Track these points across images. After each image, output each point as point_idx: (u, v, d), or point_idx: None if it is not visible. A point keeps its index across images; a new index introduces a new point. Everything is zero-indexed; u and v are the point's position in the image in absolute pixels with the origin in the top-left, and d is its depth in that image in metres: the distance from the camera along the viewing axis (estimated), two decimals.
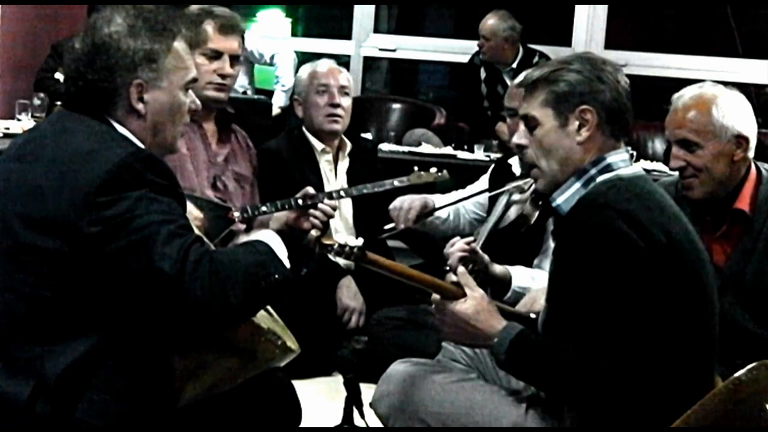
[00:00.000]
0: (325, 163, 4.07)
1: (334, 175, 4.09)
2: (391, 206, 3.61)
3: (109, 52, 2.03)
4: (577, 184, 2.16)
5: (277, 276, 1.99)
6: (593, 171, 2.15)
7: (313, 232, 2.15)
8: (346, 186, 4.05)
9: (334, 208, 3.49)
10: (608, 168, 2.15)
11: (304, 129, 4.10)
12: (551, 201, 2.20)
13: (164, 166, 2.00)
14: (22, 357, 1.93)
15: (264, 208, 3.44)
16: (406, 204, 3.58)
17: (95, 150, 1.95)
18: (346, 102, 4.04)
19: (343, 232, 4.03)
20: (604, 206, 2.04)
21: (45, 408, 1.89)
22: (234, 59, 3.47)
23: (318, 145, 4.06)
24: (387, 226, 3.56)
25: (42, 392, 1.89)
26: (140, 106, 2.05)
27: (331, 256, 2.08)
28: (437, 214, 3.66)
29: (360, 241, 2.10)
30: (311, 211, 3.42)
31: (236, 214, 3.32)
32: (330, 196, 3.55)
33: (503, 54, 6.06)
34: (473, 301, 2.15)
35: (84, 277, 1.90)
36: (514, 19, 6.08)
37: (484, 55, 6.11)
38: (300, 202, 3.43)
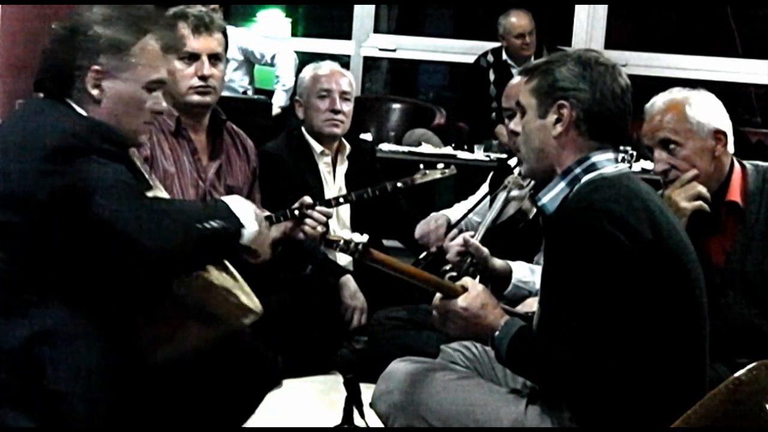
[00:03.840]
0: (323, 165, 4.06)
1: (333, 177, 4.09)
2: (418, 234, 3.63)
3: (77, 36, 2.12)
4: (562, 184, 2.17)
5: (214, 225, 2.04)
6: (578, 170, 2.16)
7: (319, 229, 2.17)
8: (344, 188, 4.05)
9: (328, 216, 3.46)
10: (592, 167, 2.15)
11: (303, 130, 4.10)
12: (537, 200, 2.21)
13: (114, 133, 2.08)
14: None
15: None
16: (432, 226, 3.61)
17: (47, 124, 2.04)
18: (347, 107, 4.03)
19: (340, 234, 4.03)
20: (589, 208, 2.04)
21: (4, 378, 1.95)
22: (214, 58, 3.34)
23: (317, 147, 4.05)
24: (422, 255, 3.54)
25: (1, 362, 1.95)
26: (96, 92, 2.12)
27: (336, 252, 2.09)
28: (451, 217, 3.67)
29: (365, 238, 2.11)
30: (305, 219, 3.40)
31: None
32: (329, 203, 3.54)
33: (533, 49, 6.08)
34: (477, 295, 2.16)
35: (42, 245, 1.98)
36: None
37: (525, 51, 6.06)
38: (296, 212, 3.41)
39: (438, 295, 2.19)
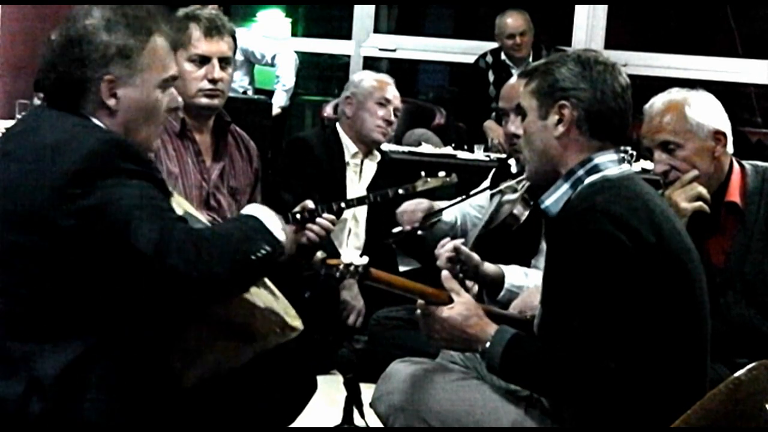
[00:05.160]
0: (352, 166, 4.18)
1: (358, 178, 4.15)
2: (398, 210, 3.60)
3: (82, 45, 2.02)
4: (565, 186, 2.16)
5: (266, 249, 1.98)
6: (581, 172, 2.15)
7: (319, 254, 2.15)
8: (365, 192, 4.08)
9: (334, 223, 3.47)
10: (595, 169, 2.15)
11: (339, 129, 4.18)
12: (540, 203, 2.20)
13: (135, 150, 1.98)
14: (12, 357, 1.91)
15: None
16: (411, 206, 3.57)
17: (65, 141, 1.94)
18: (395, 123, 4.28)
19: (353, 235, 4.08)
20: (591, 209, 2.04)
21: (40, 407, 1.88)
22: (224, 62, 3.31)
23: (352, 147, 4.19)
24: (395, 230, 3.54)
25: (36, 391, 1.88)
26: (112, 102, 2.03)
27: (336, 275, 2.09)
28: (444, 218, 3.64)
29: (365, 260, 2.11)
30: (309, 225, 3.40)
31: None
32: (330, 209, 3.53)
33: (529, 48, 6.08)
34: (461, 306, 2.13)
35: (69, 272, 1.90)
36: None
37: (517, 52, 6.05)
38: (297, 216, 3.41)
39: (420, 301, 2.17)
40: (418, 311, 2.17)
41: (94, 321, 1.92)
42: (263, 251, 1.97)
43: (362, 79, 4.30)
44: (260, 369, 2.16)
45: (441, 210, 3.56)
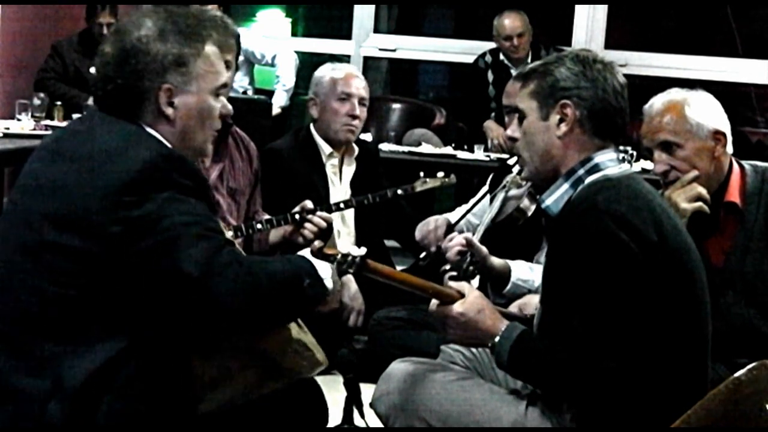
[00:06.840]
0: (330, 166, 4.06)
1: (339, 178, 4.09)
2: (418, 237, 3.55)
3: (138, 57, 2.01)
4: (566, 185, 2.17)
5: (311, 290, 1.99)
6: (581, 171, 2.16)
7: (316, 243, 2.13)
8: (349, 190, 4.05)
9: (328, 221, 3.47)
10: (596, 168, 2.15)
11: (312, 130, 4.08)
12: (540, 202, 2.21)
13: (192, 167, 1.99)
14: (41, 356, 1.90)
15: (259, 226, 3.43)
16: (431, 226, 3.54)
17: (122, 149, 1.94)
18: (364, 113, 4.06)
19: (345, 235, 4.04)
20: (593, 208, 2.04)
21: (59, 410, 1.86)
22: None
23: (326, 148, 4.05)
24: (422, 255, 3.51)
25: (57, 392, 1.87)
26: (170, 111, 2.03)
27: (333, 265, 2.08)
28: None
29: (362, 251, 2.10)
30: (305, 224, 3.42)
31: (229, 233, 3.30)
32: (330, 208, 3.54)
33: (528, 49, 6.08)
34: (475, 301, 2.15)
35: (108, 277, 1.89)
36: None
37: (514, 53, 6.05)
38: (297, 216, 3.42)
39: (434, 301, 2.18)
40: (432, 308, 2.18)
41: (124, 326, 1.90)
42: (308, 294, 1.99)
43: (322, 76, 4.07)
44: (273, 397, 2.14)
45: (457, 222, 3.57)
